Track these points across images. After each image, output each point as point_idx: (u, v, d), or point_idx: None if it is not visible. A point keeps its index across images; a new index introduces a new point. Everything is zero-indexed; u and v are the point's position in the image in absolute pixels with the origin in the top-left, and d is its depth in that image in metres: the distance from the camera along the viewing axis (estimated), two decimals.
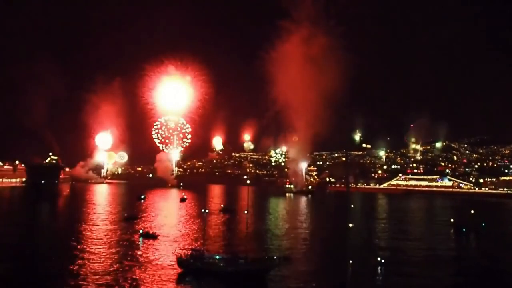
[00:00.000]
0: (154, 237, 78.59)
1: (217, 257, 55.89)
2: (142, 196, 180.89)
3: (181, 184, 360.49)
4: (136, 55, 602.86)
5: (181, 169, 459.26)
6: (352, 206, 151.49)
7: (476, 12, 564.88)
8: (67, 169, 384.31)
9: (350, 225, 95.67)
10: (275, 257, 57.74)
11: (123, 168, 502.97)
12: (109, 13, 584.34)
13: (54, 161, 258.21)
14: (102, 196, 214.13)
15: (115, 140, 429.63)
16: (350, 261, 52.47)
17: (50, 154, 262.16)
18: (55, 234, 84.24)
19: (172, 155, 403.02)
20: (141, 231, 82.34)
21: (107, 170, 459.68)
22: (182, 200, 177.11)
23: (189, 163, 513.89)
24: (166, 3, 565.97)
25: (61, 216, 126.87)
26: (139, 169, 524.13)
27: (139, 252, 66.20)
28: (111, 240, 76.95)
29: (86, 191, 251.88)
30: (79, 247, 69.55)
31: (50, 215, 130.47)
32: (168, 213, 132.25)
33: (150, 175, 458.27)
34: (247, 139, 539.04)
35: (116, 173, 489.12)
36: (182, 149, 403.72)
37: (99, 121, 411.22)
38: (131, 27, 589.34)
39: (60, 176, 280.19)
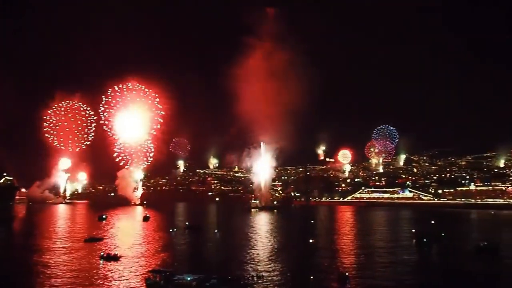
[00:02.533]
0: (116, 258, 75.99)
1: (189, 277, 54.19)
2: (104, 216, 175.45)
3: (145, 202, 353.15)
4: (97, 72, 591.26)
5: (144, 187, 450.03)
6: (312, 221, 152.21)
7: (439, 27, 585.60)
8: (22, 190, 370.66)
9: (311, 240, 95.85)
10: (247, 276, 56.92)
11: (83, 187, 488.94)
12: (70, 28, 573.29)
13: (8, 182, 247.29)
14: (60, 217, 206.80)
15: (74, 158, 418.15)
16: (312, 277, 52.05)
17: (5, 174, 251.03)
18: (9, 260, 79.97)
19: (134, 172, 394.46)
20: (102, 253, 79.29)
21: (65, 190, 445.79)
22: (145, 219, 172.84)
23: (152, 181, 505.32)
24: (129, 19, 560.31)
25: (16, 239, 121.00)
26: (100, 187, 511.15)
27: (101, 276, 63.65)
28: (70, 264, 73.79)
29: (44, 212, 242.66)
30: (34, 272, 66.29)
31: (3, 240, 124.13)
32: (131, 233, 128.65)
33: (112, 194, 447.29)
34: (211, 156, 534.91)
35: (75, 192, 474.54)
36: (145, 166, 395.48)
37: (58, 139, 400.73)
38: (92, 43, 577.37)
39: (16, 197, 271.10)
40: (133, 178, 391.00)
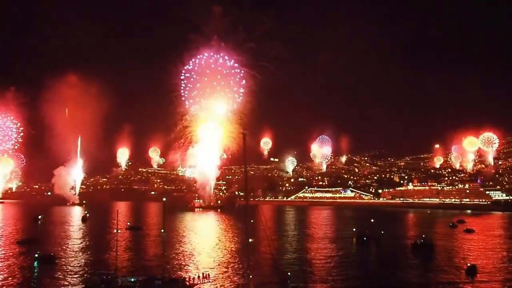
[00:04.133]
0: (52, 260, 72.10)
1: (132, 279, 52.34)
2: (39, 216, 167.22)
3: (84, 201, 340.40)
4: (35, 66, 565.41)
5: (83, 186, 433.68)
6: (252, 220, 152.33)
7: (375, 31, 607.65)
8: None
9: (250, 240, 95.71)
10: (193, 276, 55.80)
11: (17, 186, 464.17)
12: (5, 17, 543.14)
13: None
14: None
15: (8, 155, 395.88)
16: (251, 276, 51.91)
17: None
18: None
19: (72, 170, 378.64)
20: (36, 255, 74.77)
21: None
22: (84, 219, 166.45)
23: (92, 179, 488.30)
24: (73, 11, 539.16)
25: None
26: (36, 186, 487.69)
27: (36, 279, 60.11)
28: (1, 267, 69.27)
29: None
30: None
31: None
32: (69, 234, 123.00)
33: (48, 193, 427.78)
34: (155, 154, 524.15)
35: (9, 191, 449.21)
36: (84, 164, 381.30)
37: None
38: (32, 37, 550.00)
39: None
40: (71, 177, 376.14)
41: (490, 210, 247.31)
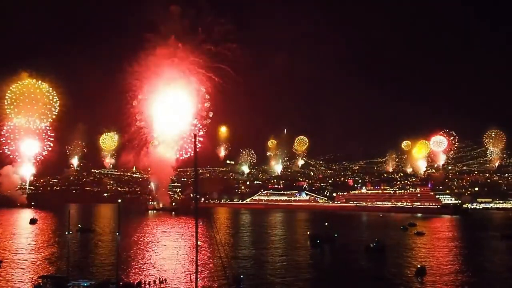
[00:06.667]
0: None
1: (85, 283, 50.67)
2: None
3: (33, 203, 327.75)
4: None
5: (32, 187, 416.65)
6: (201, 222, 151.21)
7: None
8: None
9: (199, 242, 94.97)
10: (149, 280, 54.68)
11: None
12: None
13: None
14: None
15: None
16: (199, 279, 51.67)
17: None
18: None
19: (21, 170, 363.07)
20: None
21: None
22: (33, 221, 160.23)
23: (42, 180, 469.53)
24: (25, 7, 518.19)
25: None
26: None
27: None
28: None
29: None
30: None
31: None
32: (17, 236, 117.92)
33: None
34: (108, 155, 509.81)
35: None
36: (34, 163, 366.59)
37: None
38: None
39: None
40: (19, 177, 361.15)
41: (440, 213, 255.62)
